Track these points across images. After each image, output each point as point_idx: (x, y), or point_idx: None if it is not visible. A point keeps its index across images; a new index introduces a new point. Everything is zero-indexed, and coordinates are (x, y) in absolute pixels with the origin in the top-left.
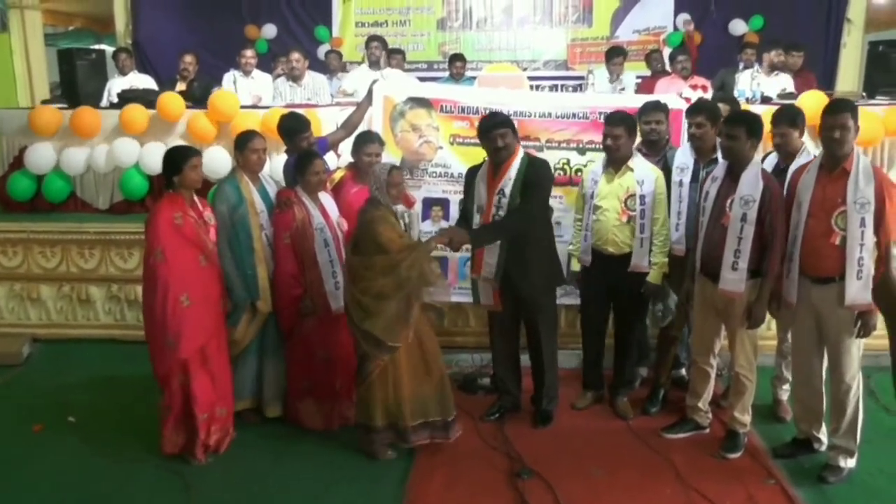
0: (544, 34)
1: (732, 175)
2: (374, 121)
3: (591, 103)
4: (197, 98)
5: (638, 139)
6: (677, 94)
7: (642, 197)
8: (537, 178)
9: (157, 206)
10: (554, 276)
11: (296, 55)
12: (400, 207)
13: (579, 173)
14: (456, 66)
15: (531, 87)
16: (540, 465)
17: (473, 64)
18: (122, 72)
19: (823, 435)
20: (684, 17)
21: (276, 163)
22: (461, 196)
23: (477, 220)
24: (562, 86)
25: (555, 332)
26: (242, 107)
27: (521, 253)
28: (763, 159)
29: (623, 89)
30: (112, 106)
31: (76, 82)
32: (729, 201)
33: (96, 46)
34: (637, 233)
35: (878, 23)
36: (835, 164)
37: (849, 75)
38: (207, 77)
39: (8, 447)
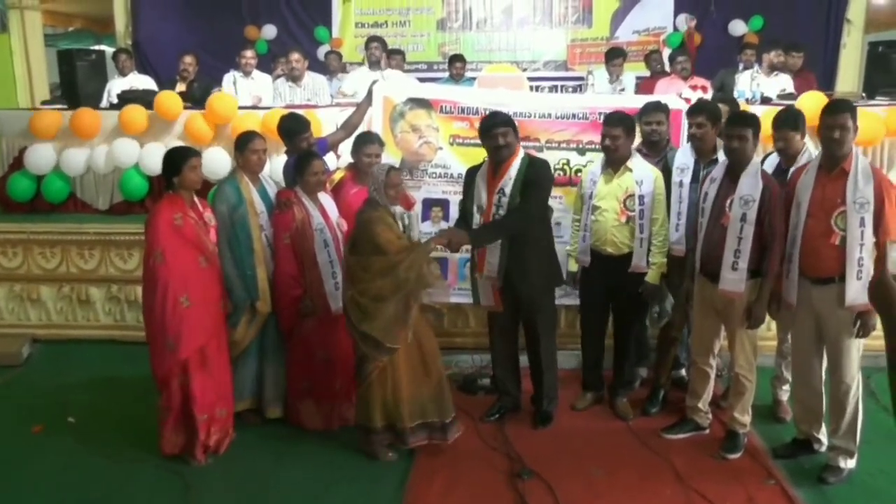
0: (544, 35)
1: (732, 175)
2: (374, 121)
3: (590, 104)
4: (197, 99)
5: (638, 139)
6: (677, 94)
7: (641, 197)
8: (537, 177)
9: (156, 207)
10: (553, 276)
11: (295, 56)
12: (398, 208)
13: (579, 174)
14: (456, 66)
15: (531, 87)
16: (540, 466)
17: (473, 64)
18: (122, 73)
19: (823, 435)
20: (686, 14)
21: (275, 163)
22: (461, 197)
23: (477, 219)
24: (561, 86)
25: (554, 332)
26: (242, 107)
27: (520, 253)
28: (763, 160)
29: (623, 90)
30: (112, 107)
31: (76, 83)
32: (728, 201)
33: (96, 47)
34: (636, 233)
35: (877, 23)
36: (834, 164)
37: (849, 76)
38: (207, 78)
39: (8, 447)
